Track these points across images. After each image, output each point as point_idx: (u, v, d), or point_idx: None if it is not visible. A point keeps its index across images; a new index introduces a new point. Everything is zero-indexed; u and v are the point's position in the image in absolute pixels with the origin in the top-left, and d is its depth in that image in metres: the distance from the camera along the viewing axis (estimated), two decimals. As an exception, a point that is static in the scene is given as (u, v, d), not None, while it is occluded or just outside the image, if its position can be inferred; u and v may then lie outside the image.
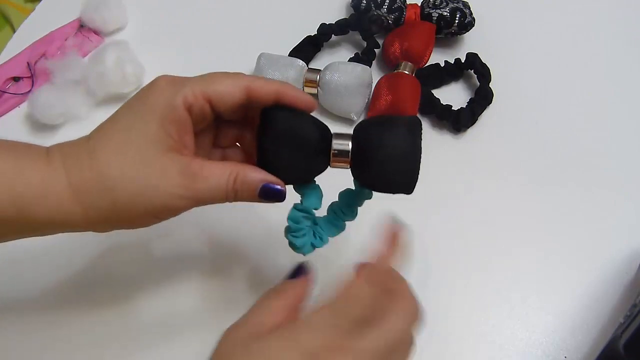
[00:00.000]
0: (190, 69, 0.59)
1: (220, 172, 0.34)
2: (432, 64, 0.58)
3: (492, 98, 0.56)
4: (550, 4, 0.65)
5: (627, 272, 0.48)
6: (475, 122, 0.55)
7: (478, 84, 0.56)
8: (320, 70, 0.55)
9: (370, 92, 0.55)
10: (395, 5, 0.58)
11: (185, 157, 0.34)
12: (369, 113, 0.55)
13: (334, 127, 0.55)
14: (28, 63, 0.59)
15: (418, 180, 0.37)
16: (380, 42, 0.59)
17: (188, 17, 0.64)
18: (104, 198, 0.32)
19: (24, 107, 0.57)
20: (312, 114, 0.37)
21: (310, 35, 0.59)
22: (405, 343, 0.32)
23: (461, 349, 0.45)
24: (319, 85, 0.54)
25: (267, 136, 0.35)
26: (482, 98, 0.55)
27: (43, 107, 0.54)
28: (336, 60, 0.55)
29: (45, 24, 0.62)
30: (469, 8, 0.58)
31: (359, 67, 0.55)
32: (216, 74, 0.35)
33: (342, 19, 0.59)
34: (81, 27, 0.62)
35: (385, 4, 0.58)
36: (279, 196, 0.35)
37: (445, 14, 0.57)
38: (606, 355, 0.42)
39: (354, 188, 0.39)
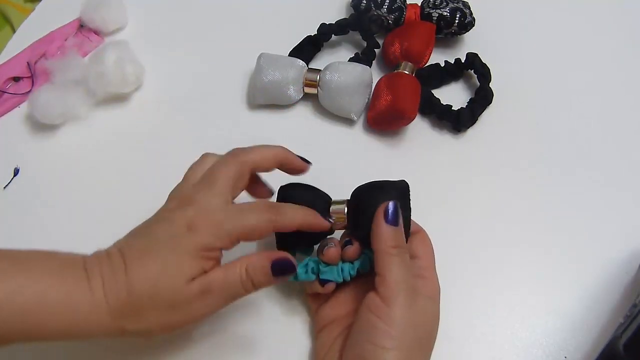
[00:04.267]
0: (190, 69, 0.60)
1: (232, 274, 0.37)
2: (432, 64, 0.58)
3: (492, 98, 0.56)
4: (550, 4, 0.65)
5: (627, 272, 0.48)
6: (475, 122, 0.55)
7: (478, 84, 0.56)
8: (320, 70, 0.55)
9: (371, 91, 0.55)
10: (395, 5, 0.58)
11: (204, 276, 0.37)
12: (369, 113, 0.55)
13: (334, 129, 0.56)
14: (28, 63, 0.59)
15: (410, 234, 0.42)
16: (380, 42, 0.59)
17: (188, 17, 0.64)
18: (136, 321, 0.36)
19: (24, 107, 0.57)
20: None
21: (310, 35, 0.59)
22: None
23: (461, 349, 0.45)
24: (319, 85, 0.55)
25: None
26: (482, 98, 0.55)
27: (43, 107, 0.54)
28: (336, 60, 0.55)
29: (45, 24, 0.62)
30: (469, 8, 0.58)
31: (359, 67, 0.55)
32: (247, 211, 0.38)
33: (342, 19, 0.59)
34: (81, 27, 0.62)
35: (385, 4, 0.58)
36: (290, 268, 0.39)
37: (445, 14, 0.57)
38: (606, 355, 0.42)
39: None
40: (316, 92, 0.55)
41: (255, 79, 0.55)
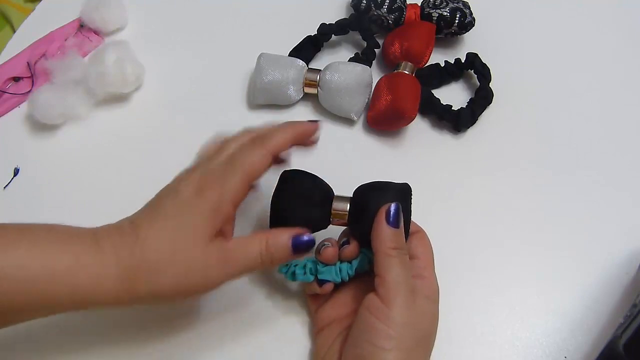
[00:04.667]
0: (190, 69, 0.60)
1: (251, 246, 0.38)
2: (432, 64, 0.58)
3: (492, 98, 0.56)
4: (550, 3, 0.65)
5: (627, 272, 0.48)
6: (475, 122, 0.55)
7: (478, 84, 0.56)
8: (320, 70, 0.55)
9: (371, 91, 0.55)
10: (395, 5, 0.58)
11: (222, 242, 0.37)
12: (369, 113, 0.55)
13: (334, 129, 0.56)
14: (28, 63, 0.59)
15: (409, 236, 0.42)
16: (380, 42, 0.59)
17: (188, 17, 0.64)
18: (150, 282, 0.36)
19: (24, 107, 0.57)
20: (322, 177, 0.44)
21: (310, 35, 0.59)
22: None
23: (461, 349, 0.45)
24: (319, 85, 0.55)
25: (283, 192, 0.42)
26: (482, 98, 0.55)
27: (43, 107, 0.54)
28: (336, 60, 0.55)
29: (45, 24, 0.62)
30: (469, 8, 0.58)
31: (359, 67, 0.55)
32: (239, 153, 0.39)
33: (342, 19, 0.59)
34: (81, 27, 0.62)
35: (385, 4, 0.58)
36: (309, 244, 0.39)
37: (445, 14, 0.57)
38: (606, 355, 0.42)
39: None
40: (316, 92, 0.55)
41: (255, 79, 0.55)
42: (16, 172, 0.54)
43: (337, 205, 0.42)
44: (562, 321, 0.46)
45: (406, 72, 0.55)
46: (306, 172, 0.43)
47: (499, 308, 0.47)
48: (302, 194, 0.42)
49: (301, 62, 0.55)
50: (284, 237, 0.38)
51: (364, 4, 0.58)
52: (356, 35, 0.60)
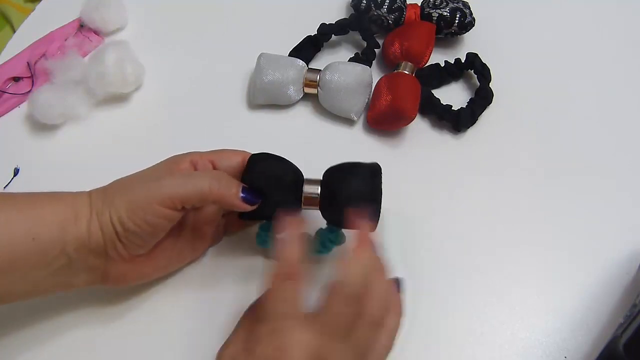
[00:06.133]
0: (190, 69, 0.60)
1: (205, 174, 0.41)
2: (432, 64, 0.58)
3: (492, 98, 0.56)
4: (550, 4, 0.65)
5: (627, 272, 0.48)
6: (475, 122, 0.55)
7: (478, 84, 0.56)
8: (320, 70, 0.55)
9: (371, 91, 0.55)
10: (395, 5, 0.58)
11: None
12: (369, 113, 0.55)
13: (334, 129, 0.56)
14: (28, 63, 0.59)
15: (380, 217, 0.42)
16: (380, 42, 0.59)
17: (188, 17, 0.64)
18: (115, 201, 0.40)
19: (24, 107, 0.57)
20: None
21: (310, 35, 0.59)
22: (357, 327, 0.36)
23: (461, 349, 0.45)
24: (319, 85, 0.54)
25: (250, 174, 0.42)
26: (482, 98, 0.55)
27: (43, 107, 0.54)
28: (336, 60, 0.55)
29: (45, 24, 0.62)
30: (469, 8, 0.58)
31: (359, 67, 0.55)
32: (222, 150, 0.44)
33: (343, 19, 0.59)
34: (81, 27, 0.62)
35: (385, 4, 0.58)
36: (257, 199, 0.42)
37: (445, 14, 0.57)
38: (606, 355, 0.42)
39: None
40: (316, 92, 0.55)
41: (255, 79, 0.55)
42: (16, 172, 0.54)
43: (308, 188, 0.42)
44: (562, 321, 0.46)
45: (406, 72, 0.55)
46: (275, 155, 0.43)
47: (499, 308, 0.47)
48: (271, 177, 0.42)
49: (301, 62, 0.55)
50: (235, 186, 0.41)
51: (364, 4, 0.58)
52: (356, 35, 0.60)
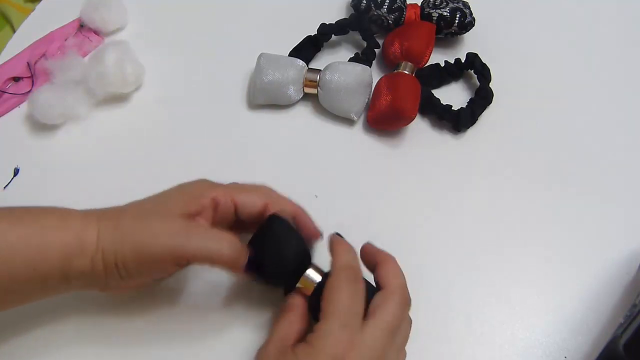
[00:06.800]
0: (190, 69, 0.60)
1: (224, 237, 0.39)
2: (432, 64, 0.58)
3: (492, 98, 0.56)
4: (550, 4, 0.65)
5: (627, 272, 0.48)
6: (475, 122, 0.55)
7: (478, 84, 0.56)
8: (320, 70, 0.55)
9: (371, 91, 0.55)
10: (395, 5, 0.58)
11: (192, 220, 0.40)
12: (369, 113, 0.55)
13: (334, 129, 0.56)
14: (28, 63, 0.59)
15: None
16: (380, 42, 0.59)
17: (188, 17, 0.64)
18: (124, 244, 0.38)
19: (24, 107, 0.57)
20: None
21: (310, 35, 0.59)
22: (402, 326, 0.39)
23: (461, 349, 0.45)
24: (319, 85, 0.54)
25: (258, 248, 0.40)
26: (482, 98, 0.55)
27: (43, 107, 0.54)
28: (336, 60, 0.55)
29: (45, 24, 0.62)
30: (469, 8, 0.58)
31: (359, 67, 0.55)
32: (246, 185, 0.42)
33: (342, 19, 0.59)
34: (81, 27, 0.62)
35: (385, 4, 0.58)
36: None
37: (445, 14, 0.57)
38: (606, 355, 0.42)
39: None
40: (316, 92, 0.55)
41: (255, 79, 0.55)
42: (16, 172, 0.54)
43: (309, 274, 0.40)
44: (562, 321, 0.46)
45: (406, 72, 0.55)
46: (290, 231, 0.41)
47: (499, 308, 0.47)
48: (276, 261, 0.40)
49: (301, 62, 0.55)
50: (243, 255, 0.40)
51: (364, 4, 0.58)
52: (356, 35, 0.60)
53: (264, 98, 0.56)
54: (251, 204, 0.41)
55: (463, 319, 0.46)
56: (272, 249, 0.40)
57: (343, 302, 0.37)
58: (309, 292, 0.40)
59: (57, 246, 0.38)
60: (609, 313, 0.47)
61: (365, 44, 0.58)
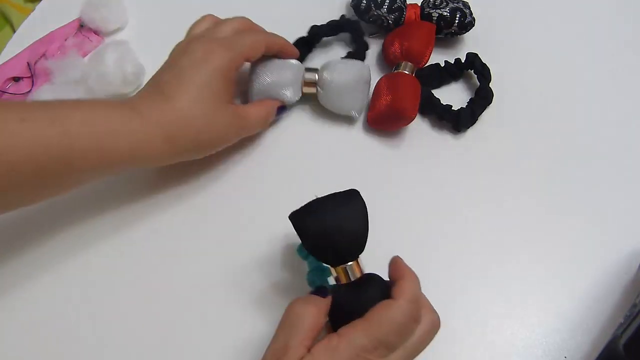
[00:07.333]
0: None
1: (257, 112, 0.51)
2: (432, 64, 0.58)
3: (492, 98, 0.56)
4: (550, 3, 0.65)
5: (627, 272, 0.48)
6: (475, 122, 0.55)
7: (478, 84, 0.56)
8: (317, 69, 0.55)
9: (370, 88, 0.55)
10: (395, 5, 0.58)
11: (235, 106, 0.49)
12: (369, 113, 0.55)
13: (334, 129, 0.56)
14: (28, 63, 0.59)
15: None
16: (380, 42, 0.59)
17: (188, 17, 0.64)
18: (188, 138, 0.45)
19: (24, 107, 0.57)
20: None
21: (302, 37, 0.59)
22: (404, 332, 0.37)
23: (461, 349, 0.45)
24: (318, 85, 0.54)
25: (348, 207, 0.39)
26: (482, 98, 0.55)
27: (43, 107, 0.54)
28: (330, 59, 0.55)
29: (45, 24, 0.62)
30: (469, 8, 0.58)
31: (358, 64, 0.54)
32: (244, 33, 0.51)
33: (333, 20, 0.59)
34: (81, 27, 0.62)
35: (385, 4, 0.58)
36: (284, 109, 0.54)
37: (445, 14, 0.57)
38: (606, 355, 0.42)
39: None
40: (315, 91, 0.55)
41: (252, 83, 0.54)
42: (16, 172, 0.54)
43: (353, 266, 0.39)
44: (562, 321, 0.46)
45: (406, 72, 0.55)
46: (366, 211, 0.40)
47: (499, 308, 0.47)
48: (362, 232, 0.39)
49: (296, 62, 0.55)
50: (274, 107, 0.53)
51: (364, 4, 0.58)
52: (347, 36, 0.60)
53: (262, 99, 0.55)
54: (257, 51, 0.50)
55: (463, 319, 0.46)
56: (349, 221, 0.38)
57: (388, 333, 0.35)
58: (342, 281, 0.38)
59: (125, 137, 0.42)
60: (609, 313, 0.47)
61: (355, 45, 0.59)
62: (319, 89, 0.54)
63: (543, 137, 0.55)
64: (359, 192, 0.39)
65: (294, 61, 0.54)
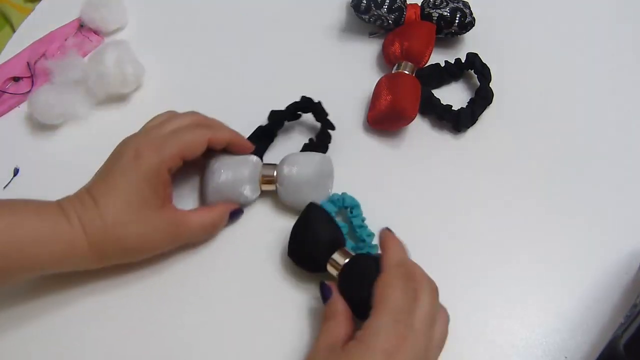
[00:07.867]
0: (190, 69, 0.60)
1: (200, 219, 0.47)
2: (432, 64, 0.58)
3: (492, 98, 0.56)
4: (550, 3, 0.65)
5: (627, 272, 0.48)
6: (475, 122, 0.55)
7: (478, 84, 0.56)
8: (276, 164, 0.50)
9: (332, 181, 0.51)
10: (395, 5, 0.58)
11: (171, 212, 0.46)
12: (369, 113, 0.55)
13: (333, 133, 0.56)
14: (28, 63, 0.59)
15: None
16: (381, 42, 0.59)
17: (188, 17, 0.64)
18: (115, 247, 0.44)
19: (24, 107, 0.57)
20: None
21: (261, 126, 0.53)
22: (439, 313, 0.40)
23: (461, 349, 0.45)
24: (277, 181, 0.49)
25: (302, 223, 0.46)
26: (482, 98, 0.55)
27: (43, 107, 0.54)
28: (291, 149, 0.52)
29: (45, 24, 0.62)
30: (469, 8, 0.58)
31: (317, 157, 0.50)
32: (182, 130, 0.47)
33: (292, 103, 0.53)
34: (81, 27, 0.62)
35: (385, 4, 0.58)
36: (239, 213, 0.50)
37: (445, 14, 0.57)
38: (606, 355, 0.42)
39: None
40: (274, 188, 0.50)
41: (207, 179, 0.49)
42: (16, 172, 0.54)
43: (335, 257, 0.44)
44: (562, 321, 0.46)
45: (406, 72, 0.55)
46: (328, 213, 0.47)
47: (499, 308, 0.47)
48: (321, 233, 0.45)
49: (255, 158, 0.50)
50: (226, 213, 0.49)
51: (364, 4, 0.58)
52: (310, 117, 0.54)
53: (218, 199, 0.49)
54: (196, 149, 0.46)
55: (463, 319, 0.46)
56: (305, 234, 0.45)
57: (395, 299, 0.38)
58: (338, 271, 0.44)
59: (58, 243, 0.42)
60: (609, 313, 0.47)
61: (319, 130, 0.53)
62: (278, 185, 0.49)
63: (543, 137, 0.55)
64: (311, 204, 0.46)
65: (252, 156, 0.50)
